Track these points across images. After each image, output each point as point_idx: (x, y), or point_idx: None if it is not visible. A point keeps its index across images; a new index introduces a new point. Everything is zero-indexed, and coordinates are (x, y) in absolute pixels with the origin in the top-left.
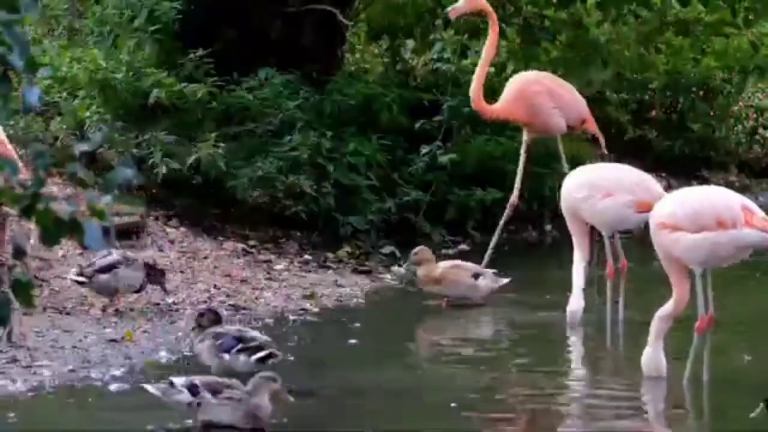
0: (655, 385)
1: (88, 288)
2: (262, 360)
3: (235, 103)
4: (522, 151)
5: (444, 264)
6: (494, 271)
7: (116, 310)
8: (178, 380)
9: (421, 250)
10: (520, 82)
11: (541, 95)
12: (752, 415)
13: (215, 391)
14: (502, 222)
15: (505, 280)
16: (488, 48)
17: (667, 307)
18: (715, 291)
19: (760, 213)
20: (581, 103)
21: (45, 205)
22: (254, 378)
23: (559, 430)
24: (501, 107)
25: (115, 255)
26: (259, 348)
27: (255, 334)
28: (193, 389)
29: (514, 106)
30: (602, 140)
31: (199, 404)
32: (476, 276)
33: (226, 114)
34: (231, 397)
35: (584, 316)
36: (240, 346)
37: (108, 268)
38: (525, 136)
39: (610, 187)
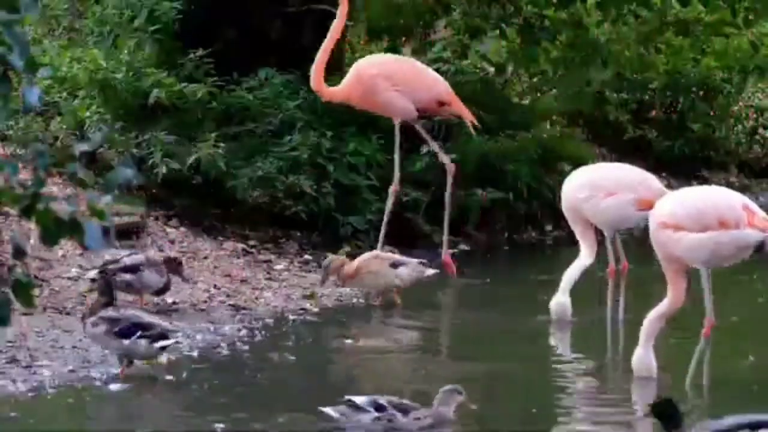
0: (656, 386)
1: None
2: (164, 347)
3: (235, 103)
4: (396, 135)
5: (361, 257)
6: (420, 261)
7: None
8: (360, 399)
9: (333, 259)
10: (359, 65)
11: (378, 78)
12: (637, 418)
13: (404, 411)
14: (387, 210)
15: (431, 271)
16: (334, 28)
17: (661, 308)
18: (719, 292)
19: (761, 213)
20: (437, 85)
21: (45, 205)
22: (442, 391)
23: (559, 429)
24: (339, 90)
25: (140, 255)
26: (162, 335)
27: (152, 319)
28: (379, 408)
29: (351, 90)
30: (469, 120)
31: (390, 420)
32: (396, 265)
33: (226, 114)
34: (419, 418)
35: (585, 318)
36: (140, 333)
37: (133, 269)
38: (395, 121)
39: (612, 186)
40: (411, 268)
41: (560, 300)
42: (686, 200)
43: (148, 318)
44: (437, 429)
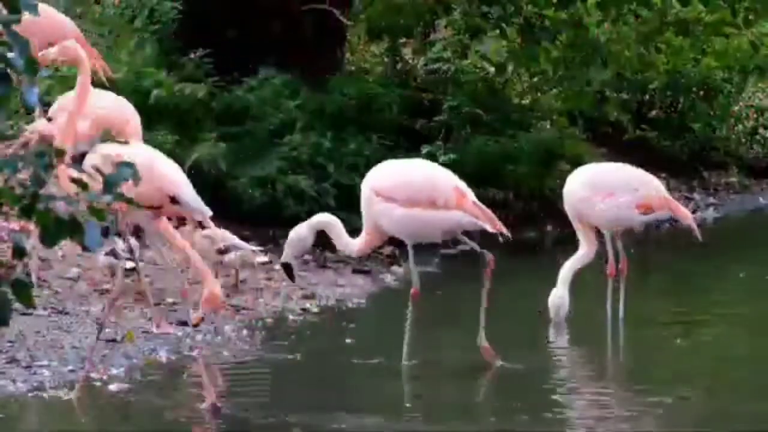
0: (665, 384)
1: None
2: None
3: (235, 103)
4: None
5: (204, 231)
6: (258, 248)
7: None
8: None
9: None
10: None
11: None
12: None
13: None
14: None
15: (262, 258)
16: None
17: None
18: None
19: (472, 196)
20: (57, 26)
21: (45, 205)
22: None
23: (560, 429)
24: None
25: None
26: None
27: None
28: None
29: None
30: (99, 68)
31: None
32: (224, 250)
33: (226, 114)
34: None
35: (584, 316)
36: None
37: None
38: None
39: (612, 187)
40: (240, 255)
41: (559, 293)
42: (402, 173)
43: None
44: None
